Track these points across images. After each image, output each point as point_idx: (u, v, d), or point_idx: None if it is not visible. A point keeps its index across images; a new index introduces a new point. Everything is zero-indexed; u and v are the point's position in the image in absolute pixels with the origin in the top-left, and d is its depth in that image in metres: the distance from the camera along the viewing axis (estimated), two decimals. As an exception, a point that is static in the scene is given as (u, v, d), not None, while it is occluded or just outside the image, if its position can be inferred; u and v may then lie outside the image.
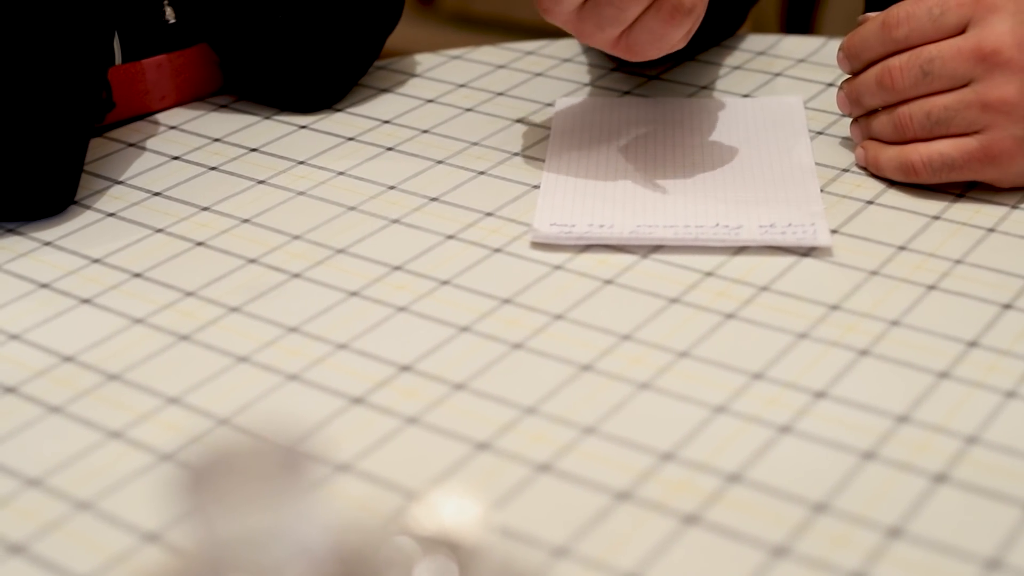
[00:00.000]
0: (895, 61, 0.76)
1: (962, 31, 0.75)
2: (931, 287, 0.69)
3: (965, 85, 0.74)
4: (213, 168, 0.84)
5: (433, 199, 0.79)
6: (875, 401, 0.61)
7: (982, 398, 0.61)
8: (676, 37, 0.73)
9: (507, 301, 0.69)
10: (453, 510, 0.32)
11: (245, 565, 0.28)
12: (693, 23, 0.73)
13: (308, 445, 0.29)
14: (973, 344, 0.64)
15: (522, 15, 2.53)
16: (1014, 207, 0.76)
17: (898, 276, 0.70)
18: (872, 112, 0.79)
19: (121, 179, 0.82)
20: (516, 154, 0.84)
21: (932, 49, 0.75)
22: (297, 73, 0.88)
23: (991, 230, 0.74)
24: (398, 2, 0.90)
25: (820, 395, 0.61)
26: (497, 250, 0.74)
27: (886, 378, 0.62)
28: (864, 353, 0.64)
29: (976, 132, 0.74)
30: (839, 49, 0.80)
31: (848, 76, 0.81)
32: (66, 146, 0.76)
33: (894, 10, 0.76)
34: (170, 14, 0.87)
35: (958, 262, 0.71)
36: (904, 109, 0.76)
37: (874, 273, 0.70)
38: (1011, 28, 0.73)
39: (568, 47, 0.99)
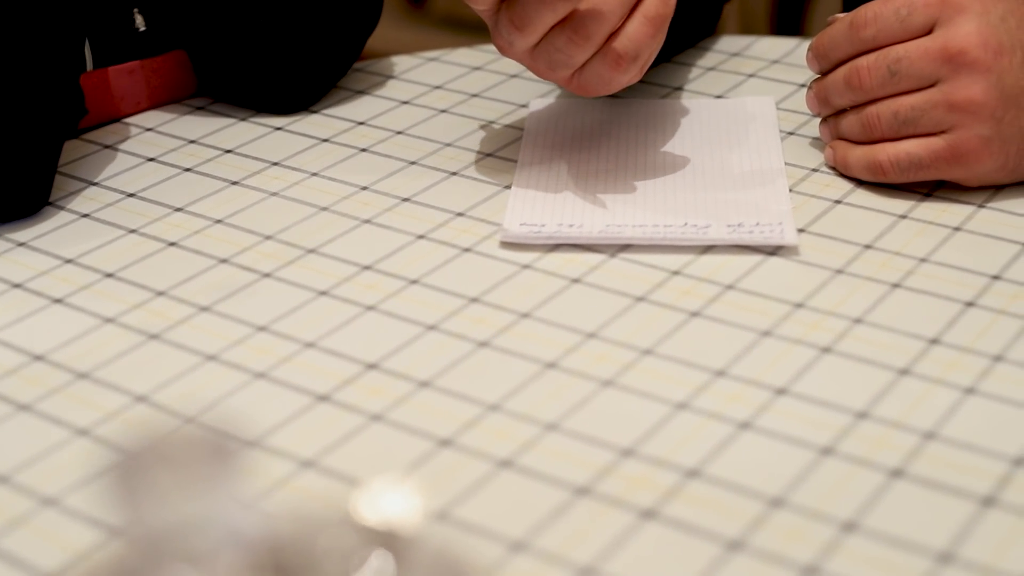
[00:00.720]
0: (863, 61, 0.77)
1: (929, 31, 0.75)
2: (895, 285, 0.70)
3: (932, 85, 0.75)
4: (188, 169, 0.84)
5: (405, 199, 0.80)
6: (835, 397, 0.61)
7: (941, 394, 0.61)
8: (624, 80, 0.75)
9: (475, 300, 0.70)
10: (395, 501, 0.33)
11: (178, 552, 0.29)
12: (641, 67, 0.74)
13: (238, 431, 0.29)
14: (934, 341, 0.65)
15: (513, 18, 2.53)
16: (980, 206, 0.76)
17: (863, 274, 0.71)
18: (841, 112, 0.80)
19: (96, 180, 0.83)
20: (489, 155, 0.84)
21: (899, 49, 0.75)
22: (274, 75, 0.89)
23: (957, 229, 0.74)
24: (376, 6, 0.90)
25: (781, 392, 0.62)
26: (466, 250, 0.74)
27: (847, 375, 0.63)
28: (826, 350, 0.65)
29: (943, 132, 0.75)
30: (808, 49, 0.80)
31: (817, 76, 0.81)
32: (39, 149, 0.77)
33: (862, 10, 0.77)
34: (140, 21, 0.87)
35: (923, 260, 0.72)
36: (872, 109, 0.77)
37: (839, 272, 0.71)
38: (977, 28, 0.73)
39: (544, 49, 1.00)
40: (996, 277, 0.70)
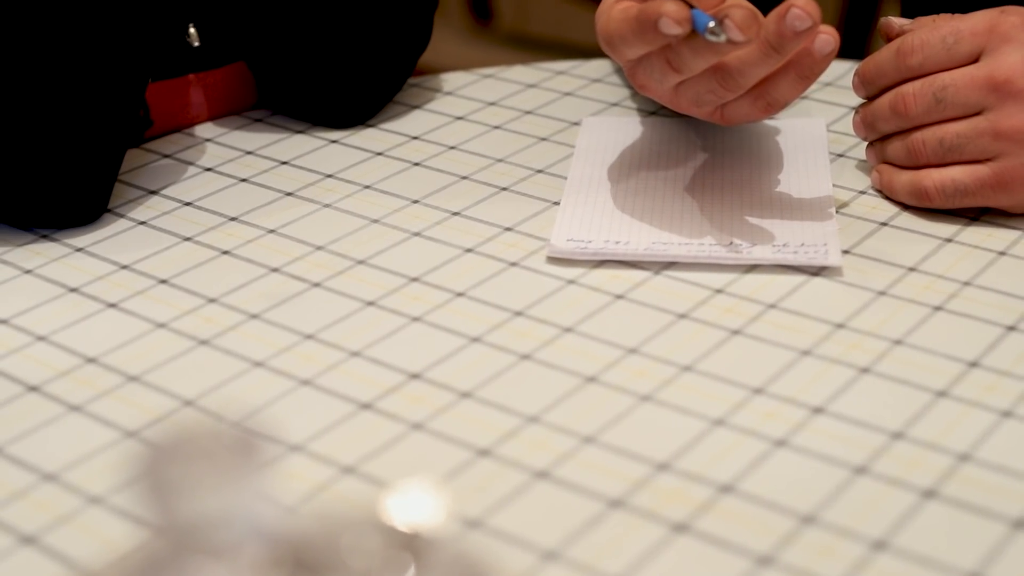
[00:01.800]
0: (908, 88, 0.77)
1: (975, 60, 0.75)
2: (937, 308, 0.70)
3: (977, 113, 0.75)
4: (244, 180, 0.86)
5: (455, 213, 0.81)
6: (871, 418, 0.62)
7: (978, 417, 0.62)
8: (766, 117, 0.77)
9: (519, 313, 0.71)
10: (421, 504, 0.34)
11: (202, 546, 0.30)
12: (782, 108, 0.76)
13: (262, 427, 0.30)
14: (974, 364, 0.65)
15: (578, 36, 2.56)
16: (1027, 231, 0.76)
17: (905, 296, 0.71)
18: (886, 137, 0.80)
19: (155, 189, 0.85)
20: (539, 171, 0.86)
21: (945, 77, 0.76)
22: (332, 90, 0.90)
23: (1002, 253, 0.74)
24: (428, 24, 0.92)
25: (818, 410, 0.62)
26: (513, 264, 0.75)
27: (884, 395, 0.63)
28: (865, 371, 0.65)
29: (988, 160, 0.75)
30: (854, 74, 0.81)
31: (864, 101, 0.82)
32: (101, 159, 0.79)
33: (909, 37, 0.77)
34: (195, 37, 0.89)
35: (966, 284, 0.72)
36: (917, 135, 0.77)
37: (882, 293, 0.71)
38: (1023, 58, 0.74)
39: (599, 67, 1.01)
40: (1039, 302, 0.70)
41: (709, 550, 0.54)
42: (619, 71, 1.00)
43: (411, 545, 0.33)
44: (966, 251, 0.75)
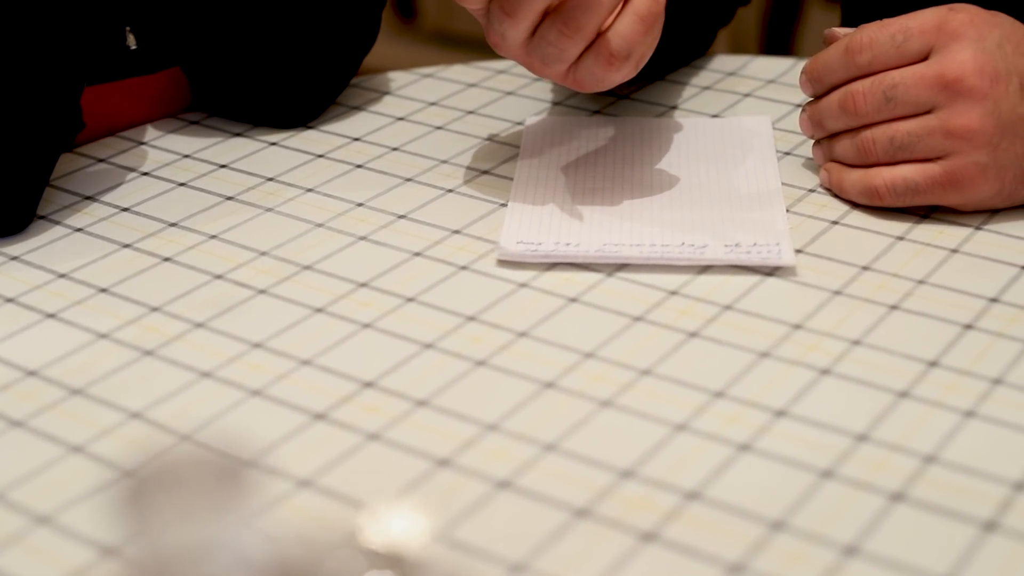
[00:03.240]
0: (858, 86, 0.77)
1: (925, 57, 0.75)
2: (893, 307, 0.69)
3: (928, 111, 0.75)
4: (182, 184, 0.84)
5: (401, 216, 0.79)
6: (835, 420, 0.61)
7: (941, 417, 0.61)
8: (618, 77, 0.74)
9: (472, 318, 0.69)
10: (401, 524, 0.33)
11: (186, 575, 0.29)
12: (635, 64, 0.74)
13: (249, 457, 0.29)
14: (933, 364, 0.65)
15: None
16: (978, 228, 0.76)
17: (861, 296, 0.70)
18: (834, 135, 0.80)
19: (90, 195, 0.83)
20: (485, 172, 0.84)
21: (895, 75, 0.75)
22: (275, 90, 0.88)
23: (954, 251, 0.74)
24: (375, 22, 0.90)
25: (780, 413, 0.62)
26: (463, 267, 0.74)
27: (846, 397, 0.63)
28: (825, 372, 0.64)
29: (939, 158, 0.75)
30: (802, 72, 0.80)
31: (810, 99, 0.81)
32: (32, 164, 0.77)
33: (857, 35, 0.77)
34: (132, 41, 0.87)
35: (921, 282, 0.71)
36: (867, 133, 0.77)
37: (837, 293, 0.71)
38: (973, 56, 0.73)
39: (539, 66, 0.99)
40: (994, 300, 0.70)
41: (679, 559, 0.53)
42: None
43: (397, 567, 0.32)
44: (919, 249, 0.74)
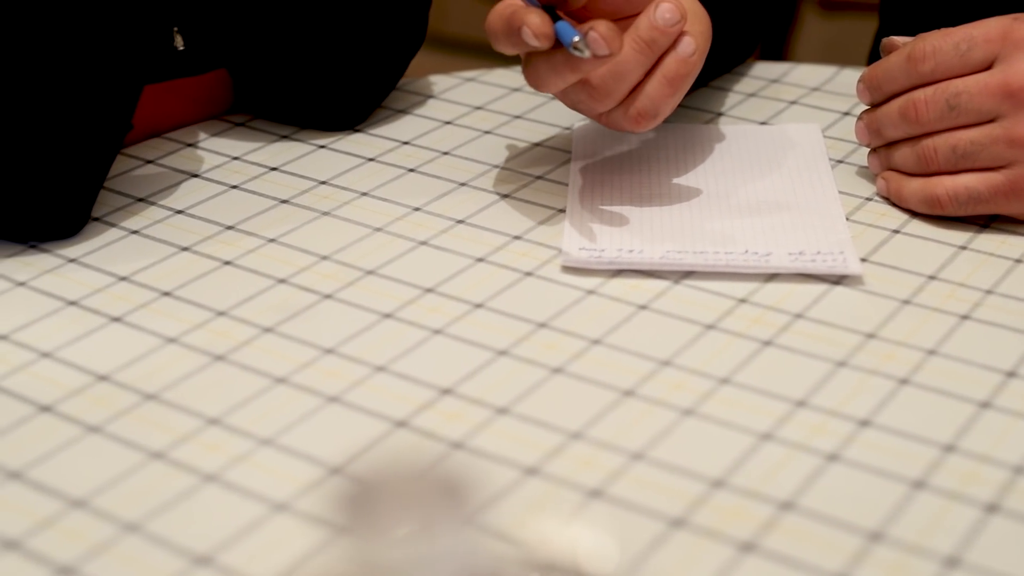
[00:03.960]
0: (920, 94, 0.76)
1: (988, 67, 0.75)
2: (964, 317, 0.69)
3: (991, 120, 0.75)
4: (234, 187, 0.83)
5: (459, 221, 0.79)
6: (920, 430, 0.61)
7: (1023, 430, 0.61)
8: (641, 131, 0.76)
9: (543, 325, 0.69)
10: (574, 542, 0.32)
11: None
12: (659, 121, 0.76)
13: (469, 476, 0.28)
14: (1011, 374, 0.65)
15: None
16: (1040, 238, 0.76)
17: (930, 306, 0.70)
18: (892, 143, 0.80)
19: (142, 197, 0.82)
20: (538, 177, 0.84)
21: (959, 84, 0.75)
22: (324, 92, 0.88)
23: (1019, 261, 0.74)
24: (422, 23, 0.90)
25: (864, 423, 0.61)
26: (528, 274, 0.73)
27: (928, 407, 0.62)
28: (904, 382, 0.64)
29: (1002, 167, 0.75)
30: (859, 80, 0.80)
31: (867, 107, 0.81)
32: (91, 167, 0.76)
33: (920, 44, 0.77)
34: (179, 42, 0.86)
35: (988, 292, 0.71)
36: (929, 142, 0.77)
37: (906, 302, 0.71)
38: None
39: (581, 71, 0.99)
40: (1064, 310, 0.70)
41: (780, 570, 0.53)
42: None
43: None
44: (983, 259, 0.74)
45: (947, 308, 0.70)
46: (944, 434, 0.61)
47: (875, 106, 0.80)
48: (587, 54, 0.68)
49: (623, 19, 0.75)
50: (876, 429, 0.61)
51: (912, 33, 0.80)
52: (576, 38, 0.68)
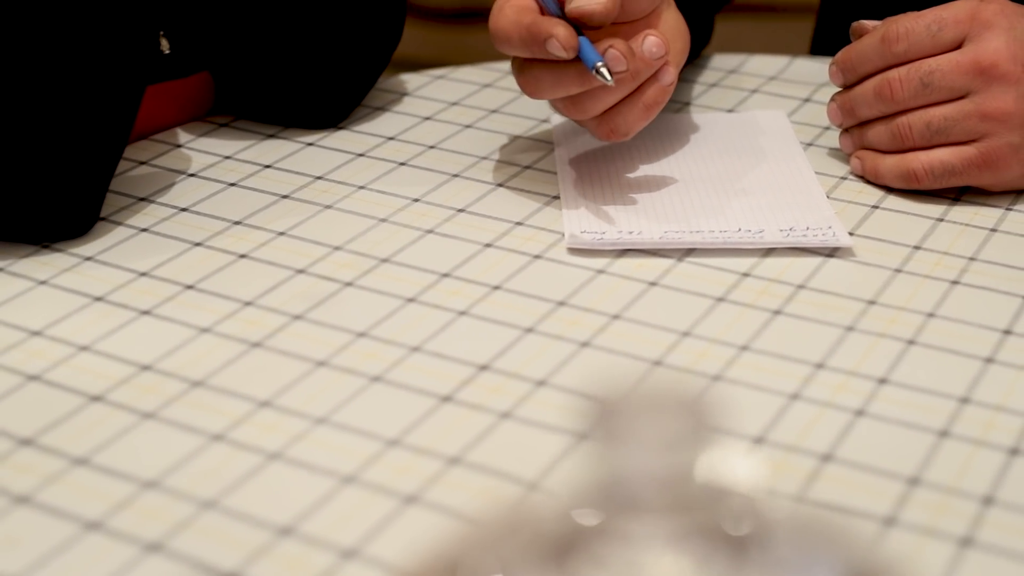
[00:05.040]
0: (894, 74, 0.81)
1: (959, 46, 0.80)
2: (954, 282, 0.74)
3: (962, 96, 0.79)
4: (232, 184, 0.85)
5: (460, 210, 0.82)
6: (934, 385, 0.65)
7: (1030, 380, 0.65)
8: (611, 140, 0.81)
9: (562, 303, 0.72)
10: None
11: (656, 502, 0.31)
12: (629, 138, 0.81)
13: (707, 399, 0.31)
14: (1008, 332, 0.69)
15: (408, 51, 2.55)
16: (1008, 208, 0.81)
17: (921, 273, 0.75)
18: (864, 123, 0.84)
19: (143, 196, 0.83)
20: (527, 167, 0.87)
21: (932, 63, 0.80)
22: (306, 91, 0.90)
23: (993, 230, 0.79)
24: (400, 19, 0.92)
25: (883, 381, 0.65)
26: (537, 256, 0.76)
27: (938, 364, 0.67)
28: (911, 343, 0.68)
29: (974, 140, 0.79)
30: (832, 63, 0.84)
31: (839, 89, 0.85)
32: (101, 167, 0.77)
33: (892, 26, 0.81)
34: (165, 45, 0.88)
35: (971, 259, 0.76)
36: (903, 119, 0.81)
37: (898, 271, 0.75)
38: (1006, 43, 0.78)
39: (547, 67, 1.02)
40: (1045, 273, 0.74)
41: (832, 517, 0.57)
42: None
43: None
44: (960, 228, 0.79)
45: (937, 275, 0.74)
46: (957, 388, 0.65)
47: (847, 88, 0.85)
48: (610, 81, 0.72)
49: (615, 25, 0.78)
50: (894, 386, 0.65)
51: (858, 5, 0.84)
52: (599, 63, 0.72)
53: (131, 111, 0.78)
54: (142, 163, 0.87)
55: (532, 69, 0.77)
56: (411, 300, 0.72)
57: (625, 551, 0.32)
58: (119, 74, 0.76)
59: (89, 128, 0.75)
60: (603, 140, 0.81)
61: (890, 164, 0.82)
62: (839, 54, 0.84)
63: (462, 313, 0.71)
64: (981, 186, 0.81)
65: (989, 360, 0.67)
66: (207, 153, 0.89)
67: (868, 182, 0.84)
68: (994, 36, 0.79)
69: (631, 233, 0.78)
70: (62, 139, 0.74)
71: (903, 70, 0.81)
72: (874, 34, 0.82)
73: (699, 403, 0.32)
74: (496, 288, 0.73)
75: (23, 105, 0.73)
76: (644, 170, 0.85)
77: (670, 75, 0.78)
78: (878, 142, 0.83)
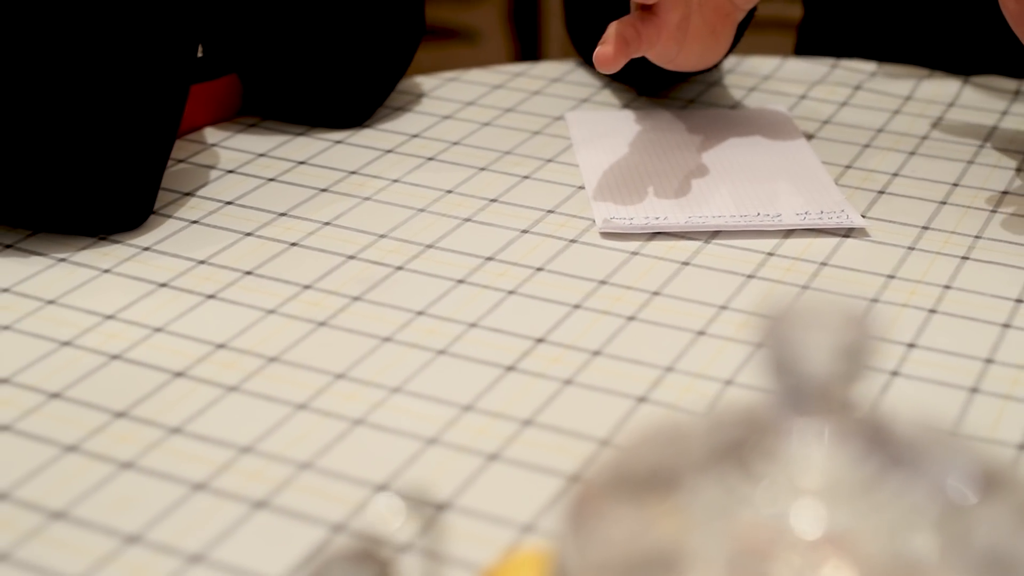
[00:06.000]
0: None
1: None
2: (964, 258, 0.79)
3: None
4: (271, 179, 0.89)
5: (492, 200, 0.86)
6: (960, 348, 0.70)
7: (1047, 342, 0.71)
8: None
9: (603, 282, 0.77)
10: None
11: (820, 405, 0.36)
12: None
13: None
14: (1019, 301, 0.75)
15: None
16: (1004, 192, 0.87)
17: (932, 250, 0.80)
18: None
19: (188, 191, 0.87)
20: (550, 160, 0.91)
21: None
22: (333, 91, 0.94)
23: (993, 211, 0.85)
24: (420, 18, 0.96)
25: (911, 346, 0.71)
26: (572, 241, 0.81)
27: (960, 330, 0.72)
28: (932, 312, 0.74)
29: None
30: None
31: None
32: (155, 161, 0.81)
33: None
34: (199, 49, 0.91)
35: (977, 237, 0.81)
36: None
37: (911, 248, 0.80)
38: None
39: (552, 68, 1.07)
40: (1046, 248, 0.80)
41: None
42: (576, 70, 1.06)
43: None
44: (962, 211, 0.85)
45: (947, 251, 0.80)
46: (981, 351, 0.70)
47: None
48: None
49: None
50: (922, 349, 0.70)
51: (835, 35, 0.89)
52: None
53: (179, 108, 0.82)
54: (180, 161, 0.91)
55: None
56: (461, 281, 0.77)
57: (792, 447, 0.37)
58: (166, 76, 0.80)
59: (142, 125, 0.79)
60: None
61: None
62: None
63: (511, 292, 0.76)
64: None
65: (1006, 326, 0.72)
66: (241, 151, 0.93)
67: (874, 170, 0.90)
68: None
69: (658, 218, 0.83)
70: (118, 136, 0.78)
71: None
72: None
73: (863, 316, 0.36)
74: (539, 269, 0.78)
75: (82, 107, 0.76)
76: (661, 162, 0.90)
77: None
78: None
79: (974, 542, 0.36)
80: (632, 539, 0.37)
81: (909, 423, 0.39)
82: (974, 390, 0.67)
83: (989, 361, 0.69)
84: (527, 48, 2.59)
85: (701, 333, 0.72)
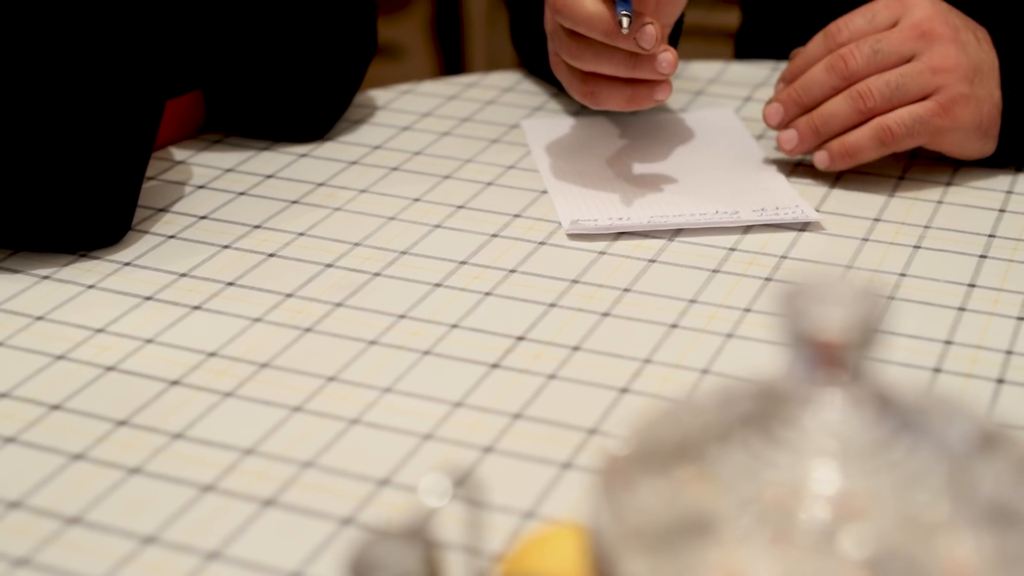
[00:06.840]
0: (844, 48, 0.90)
1: (893, 26, 0.89)
2: (916, 247, 0.83)
3: (910, 59, 0.88)
4: (241, 193, 0.91)
5: (459, 207, 0.89)
6: (921, 332, 0.74)
7: (1000, 324, 0.75)
8: (587, 103, 0.89)
9: (576, 281, 0.80)
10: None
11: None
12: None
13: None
14: (972, 285, 0.79)
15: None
16: (947, 184, 0.91)
17: (885, 240, 0.84)
18: (811, 110, 0.92)
19: (161, 207, 0.89)
20: (510, 167, 0.94)
21: (876, 35, 0.89)
22: (294, 106, 0.96)
23: (939, 202, 0.88)
24: (372, 32, 0.99)
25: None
26: (541, 243, 0.84)
27: (921, 314, 0.76)
28: (891, 298, 0.77)
29: (931, 94, 0.88)
30: (779, 80, 0.94)
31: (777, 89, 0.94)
32: (133, 178, 0.83)
33: (833, 24, 0.91)
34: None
35: (927, 227, 0.85)
36: (862, 84, 0.88)
37: (865, 240, 0.84)
38: (936, 11, 0.88)
39: (504, 78, 1.10)
40: (992, 235, 0.84)
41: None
42: (524, 80, 1.09)
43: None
44: (909, 202, 0.89)
45: (899, 241, 0.84)
46: (940, 333, 0.74)
47: (789, 82, 0.93)
48: (625, 29, 0.80)
49: None
50: (885, 334, 0.74)
51: (772, 40, 0.93)
52: (626, 12, 0.80)
53: (154, 125, 0.84)
54: (151, 178, 0.93)
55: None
56: (438, 285, 0.79)
57: (811, 414, 0.40)
58: (141, 94, 0.82)
59: (119, 142, 0.81)
60: (579, 100, 0.88)
61: (862, 131, 0.89)
62: (788, 65, 0.93)
63: (487, 294, 0.78)
64: (938, 146, 0.90)
65: (962, 309, 0.76)
66: (210, 167, 0.95)
67: (818, 172, 0.93)
68: (923, 7, 0.89)
69: (621, 219, 0.86)
70: (96, 152, 0.80)
71: (853, 44, 0.89)
72: (816, 37, 0.91)
73: (869, 296, 0.39)
74: (512, 271, 0.81)
75: (58, 126, 0.78)
76: (619, 165, 0.93)
77: (664, 94, 0.86)
78: (836, 112, 0.89)
79: (978, 495, 0.40)
80: (666, 505, 0.40)
81: (914, 391, 0.42)
82: (937, 370, 0.71)
83: (948, 343, 0.73)
84: (451, 62, 2.61)
85: (674, 326, 0.75)
